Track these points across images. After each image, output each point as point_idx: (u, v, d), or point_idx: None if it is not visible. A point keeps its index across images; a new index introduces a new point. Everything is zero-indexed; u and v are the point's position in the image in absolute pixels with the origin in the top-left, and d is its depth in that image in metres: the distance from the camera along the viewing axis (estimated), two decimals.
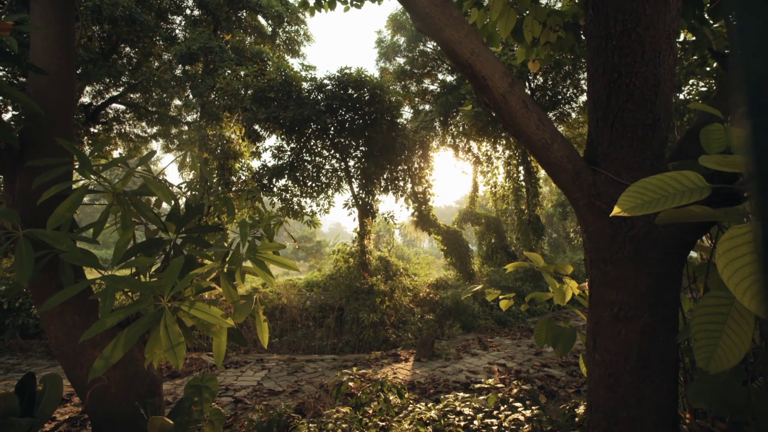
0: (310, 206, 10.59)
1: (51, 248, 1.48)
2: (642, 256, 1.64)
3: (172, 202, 1.61)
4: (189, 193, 2.73)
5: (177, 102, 14.06)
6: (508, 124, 1.66)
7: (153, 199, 2.07)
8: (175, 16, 12.87)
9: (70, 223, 1.58)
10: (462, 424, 1.98)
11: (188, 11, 12.93)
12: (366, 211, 10.29)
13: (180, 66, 11.85)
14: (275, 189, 10.17)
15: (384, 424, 1.98)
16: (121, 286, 1.10)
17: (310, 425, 1.84)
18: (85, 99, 12.44)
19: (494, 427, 1.95)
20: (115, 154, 14.60)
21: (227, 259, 1.59)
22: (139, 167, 1.57)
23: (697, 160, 1.20)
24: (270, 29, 14.77)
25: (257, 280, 9.61)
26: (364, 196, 10.39)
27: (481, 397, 2.37)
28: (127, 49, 12.20)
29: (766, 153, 0.22)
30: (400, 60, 16.30)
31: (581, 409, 2.30)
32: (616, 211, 1.22)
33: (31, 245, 1.26)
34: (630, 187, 1.23)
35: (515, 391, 2.48)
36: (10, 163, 1.59)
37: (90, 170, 1.24)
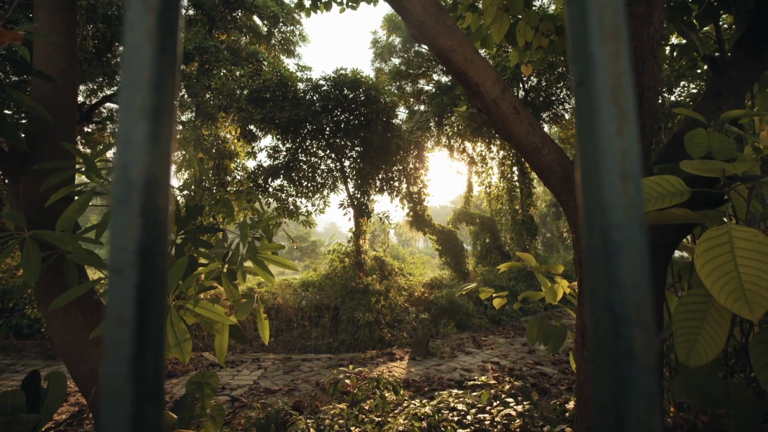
0: (306, 206, 10.62)
1: (55, 249, 1.51)
2: None
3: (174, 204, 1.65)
4: (184, 193, 2.75)
5: None
6: (500, 128, 1.72)
7: None
8: None
9: (74, 224, 1.62)
10: (455, 419, 2.04)
11: (183, 11, 12.89)
12: (361, 211, 10.34)
13: None
14: (271, 189, 10.19)
15: (380, 419, 2.04)
16: None
17: (308, 421, 1.89)
18: (79, 98, 12.37)
19: (486, 422, 2.01)
20: (109, 153, 14.49)
21: (227, 259, 1.64)
22: None
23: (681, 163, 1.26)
24: (265, 29, 14.75)
25: (252, 280, 9.62)
26: (359, 196, 10.43)
27: (475, 394, 2.43)
28: (121, 48, 12.14)
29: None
30: (396, 60, 16.35)
31: (571, 405, 2.37)
32: None
33: (38, 246, 1.29)
34: None
35: (507, 387, 2.54)
36: (15, 165, 1.63)
37: (97, 173, 1.28)
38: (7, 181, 1.67)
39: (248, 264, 1.56)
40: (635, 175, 0.10)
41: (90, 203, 1.78)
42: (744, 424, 1.42)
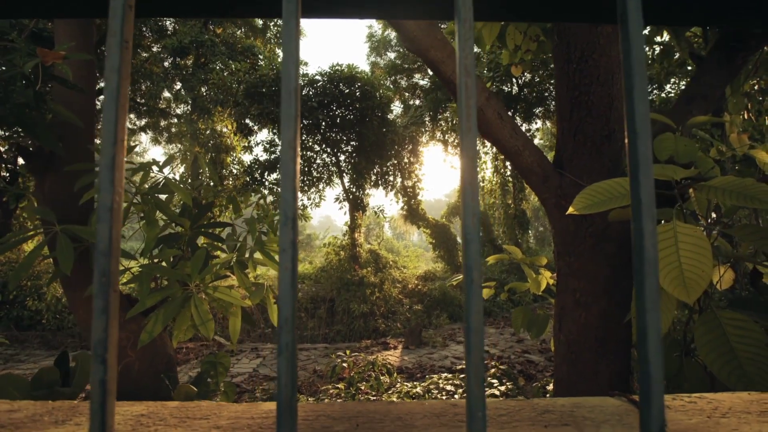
0: (302, 200, 10.76)
1: (81, 242, 1.67)
2: (600, 249, 1.88)
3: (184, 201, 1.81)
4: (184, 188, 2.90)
5: (166, 94, 13.99)
6: (485, 132, 1.88)
7: (162, 196, 2.26)
8: None
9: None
10: (444, 397, 2.23)
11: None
12: (356, 205, 10.50)
13: (170, 59, 11.83)
14: (267, 183, 10.31)
15: (375, 398, 2.22)
16: (155, 273, 1.31)
17: (309, 399, 2.07)
18: None
19: None
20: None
21: (236, 250, 1.80)
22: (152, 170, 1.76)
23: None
24: (261, 23, 14.72)
25: (251, 273, 9.77)
26: (354, 190, 10.59)
27: (462, 376, 2.63)
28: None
29: None
30: (391, 55, 16.40)
31: (552, 386, 2.57)
32: (570, 210, 1.45)
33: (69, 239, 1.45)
34: (583, 191, 1.46)
35: (493, 371, 2.74)
36: (41, 164, 1.77)
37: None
38: (33, 179, 1.81)
39: (256, 255, 1.72)
40: (477, 214, 0.26)
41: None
42: None
